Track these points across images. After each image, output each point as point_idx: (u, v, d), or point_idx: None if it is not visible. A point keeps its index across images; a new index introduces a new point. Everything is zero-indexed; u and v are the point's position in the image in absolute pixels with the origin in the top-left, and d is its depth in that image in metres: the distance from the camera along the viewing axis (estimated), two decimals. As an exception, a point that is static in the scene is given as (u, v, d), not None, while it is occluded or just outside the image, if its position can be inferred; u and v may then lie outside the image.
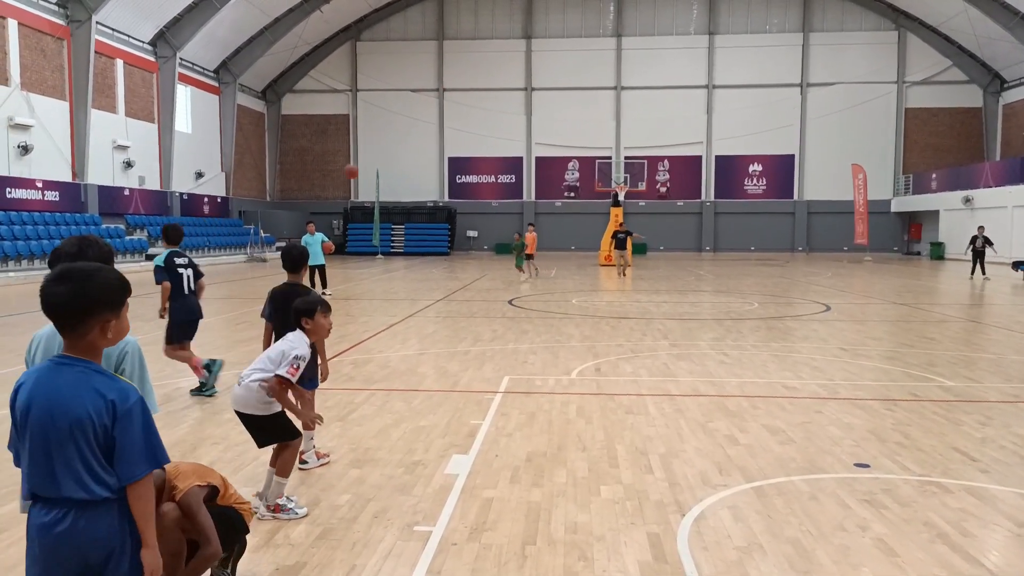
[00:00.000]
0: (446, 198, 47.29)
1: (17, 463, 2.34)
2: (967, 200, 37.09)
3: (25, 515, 2.38)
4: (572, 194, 46.95)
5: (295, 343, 4.63)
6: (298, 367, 4.52)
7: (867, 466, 5.55)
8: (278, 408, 4.62)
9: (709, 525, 4.47)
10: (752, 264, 34.28)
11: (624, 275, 24.75)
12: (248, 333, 12.06)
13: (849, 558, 4.04)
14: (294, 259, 5.86)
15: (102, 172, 30.87)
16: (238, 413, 4.65)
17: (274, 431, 4.66)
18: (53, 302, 2.23)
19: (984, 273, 25.32)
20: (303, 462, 5.42)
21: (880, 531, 4.37)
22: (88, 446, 2.21)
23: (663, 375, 8.94)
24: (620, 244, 25.30)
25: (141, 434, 2.27)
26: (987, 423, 6.78)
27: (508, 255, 43.66)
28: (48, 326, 2.75)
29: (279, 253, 5.76)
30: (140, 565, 2.29)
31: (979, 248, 25.48)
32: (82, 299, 2.23)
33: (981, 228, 26.72)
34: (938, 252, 39.36)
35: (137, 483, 2.26)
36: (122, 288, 2.33)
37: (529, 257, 24.13)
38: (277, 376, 4.50)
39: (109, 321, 2.28)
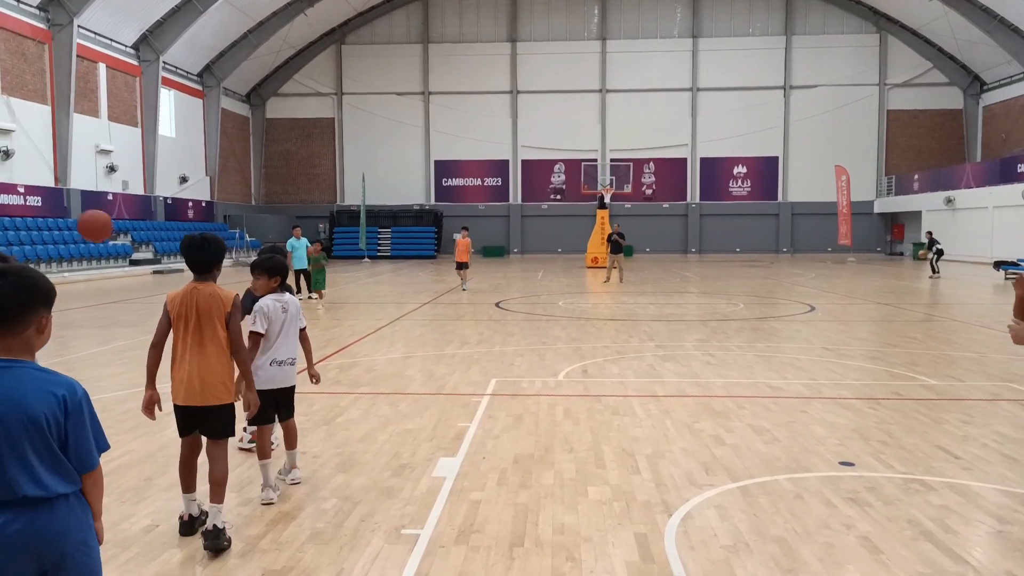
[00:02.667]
0: (432, 201, 47.24)
1: None
2: (949, 201, 37.48)
3: None
4: (558, 196, 47.04)
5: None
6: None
7: (851, 465, 5.59)
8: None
9: (696, 525, 4.49)
10: (737, 265, 34.46)
11: (614, 279, 23.85)
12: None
13: (834, 556, 4.07)
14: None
15: (85, 177, 30.63)
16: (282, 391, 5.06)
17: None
18: None
19: (936, 272, 25.79)
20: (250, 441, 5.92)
21: (865, 529, 4.41)
22: (44, 443, 2.22)
23: (649, 376, 8.98)
24: (616, 248, 23.86)
25: (90, 424, 2.32)
26: (969, 421, 6.85)
27: (496, 258, 43.73)
28: None
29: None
30: (95, 545, 2.34)
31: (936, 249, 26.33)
32: (23, 295, 2.25)
33: (929, 233, 27.75)
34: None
35: (92, 471, 2.33)
36: (53, 288, 2.37)
37: (463, 266, 20.85)
38: (251, 333, 4.89)
39: (43, 319, 2.32)
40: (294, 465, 5.27)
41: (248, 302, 5.43)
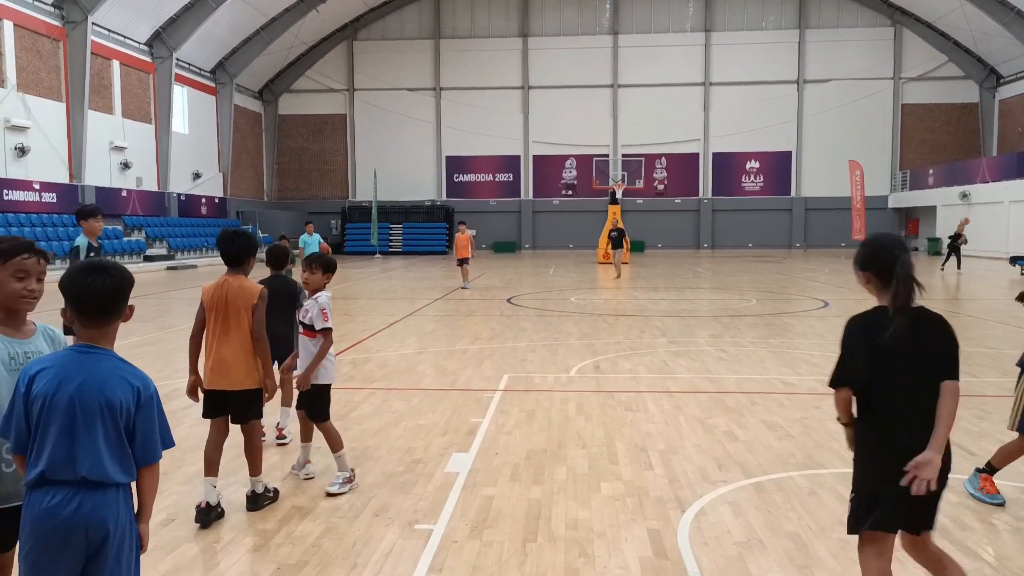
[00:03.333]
0: (444, 197, 47.27)
1: (14, 448, 2.41)
2: (964, 195, 37.14)
3: None
4: (570, 192, 46.96)
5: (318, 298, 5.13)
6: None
7: (866, 461, 5.56)
8: (322, 378, 5.10)
9: (709, 521, 4.48)
10: (750, 261, 34.31)
11: (617, 275, 23.74)
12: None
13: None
14: (279, 257, 6.39)
15: (99, 173, 30.83)
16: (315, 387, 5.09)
17: (322, 400, 5.18)
18: (100, 292, 2.41)
19: (955, 267, 25.52)
20: (281, 437, 6.12)
21: (879, 525, 4.38)
22: (115, 428, 2.36)
23: (662, 372, 8.96)
24: (616, 243, 24.58)
25: (158, 419, 2.45)
26: (984, 417, 6.80)
27: (508, 253, 43.75)
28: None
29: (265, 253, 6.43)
30: (137, 541, 2.45)
31: (957, 244, 25.92)
32: (124, 289, 2.47)
33: (963, 223, 27.28)
34: (935, 247, 39.39)
35: (152, 465, 2.45)
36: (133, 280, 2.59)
37: (464, 261, 20.33)
38: (323, 330, 5.04)
39: (130, 307, 2.53)
40: (308, 460, 5.38)
41: (284, 295, 6.00)
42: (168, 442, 2.48)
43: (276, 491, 4.90)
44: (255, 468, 4.72)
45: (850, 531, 3.12)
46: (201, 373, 4.70)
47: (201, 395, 4.71)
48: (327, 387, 5.15)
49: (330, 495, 4.89)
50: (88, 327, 2.43)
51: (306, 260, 5.14)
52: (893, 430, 2.94)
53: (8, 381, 2.61)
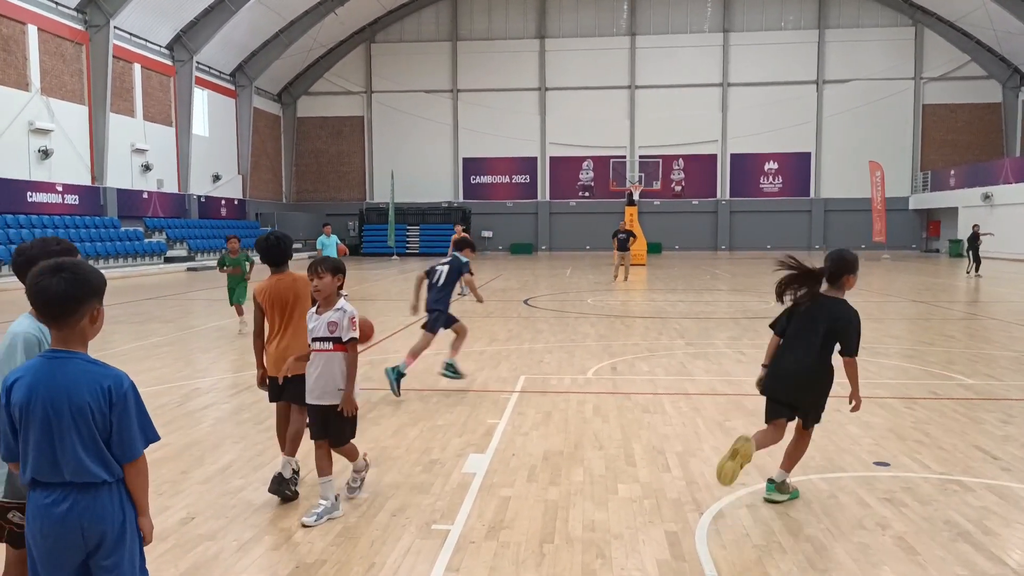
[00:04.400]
0: (461, 199, 47.36)
1: (6, 457, 2.47)
2: (986, 197, 36.68)
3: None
4: (587, 194, 46.89)
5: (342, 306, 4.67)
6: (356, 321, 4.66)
7: (887, 465, 5.51)
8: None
9: (727, 523, 4.45)
10: (768, 263, 34.02)
11: (625, 279, 23.45)
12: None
13: (869, 556, 4.01)
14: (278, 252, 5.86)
15: (121, 175, 31.19)
16: (324, 407, 4.61)
17: (354, 421, 4.73)
18: (52, 293, 2.35)
19: (977, 271, 25.16)
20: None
21: (900, 529, 4.34)
22: (89, 432, 2.36)
23: (680, 374, 8.92)
24: (622, 245, 23.77)
25: (136, 416, 2.42)
26: (1009, 421, 6.71)
27: (525, 255, 43.74)
28: (21, 325, 2.85)
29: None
30: (137, 534, 2.47)
31: (976, 244, 25.55)
32: (76, 289, 2.36)
33: (977, 226, 27.00)
34: (957, 250, 38.91)
35: (137, 460, 2.44)
36: (104, 280, 2.50)
37: None
38: (351, 340, 4.58)
39: (96, 310, 2.44)
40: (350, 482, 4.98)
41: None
42: (151, 436, 2.46)
43: (296, 493, 5.01)
44: (292, 449, 5.02)
45: (766, 422, 4.90)
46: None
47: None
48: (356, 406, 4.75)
49: (305, 526, 4.39)
50: (52, 328, 2.41)
51: (311, 266, 4.65)
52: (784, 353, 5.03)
53: None
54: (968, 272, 25.66)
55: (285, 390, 4.99)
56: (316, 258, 4.76)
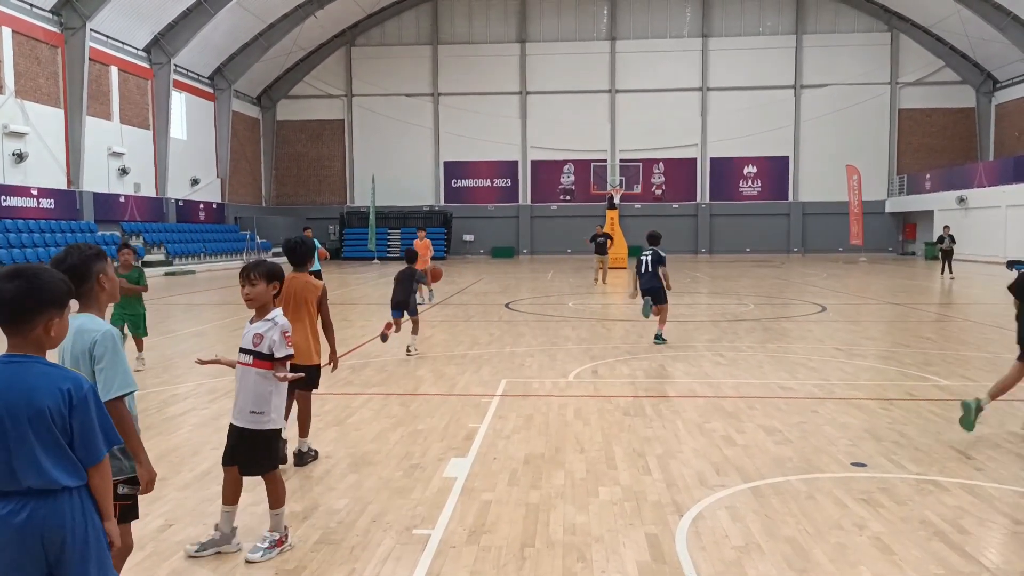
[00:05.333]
0: (442, 202, 47.30)
1: None
2: (961, 200, 37.21)
3: None
4: (568, 197, 47.00)
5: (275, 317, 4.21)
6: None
7: (864, 465, 5.57)
8: (275, 422, 4.18)
9: (707, 525, 4.48)
10: (748, 266, 34.34)
11: (604, 281, 23.51)
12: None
13: (847, 556, 4.05)
14: (301, 253, 5.93)
15: (97, 179, 30.83)
16: (238, 429, 4.18)
17: (271, 451, 4.21)
18: (3, 298, 2.30)
19: (951, 273, 25.54)
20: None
21: (877, 529, 4.39)
22: (49, 435, 2.30)
23: (660, 377, 8.97)
24: (600, 248, 23.94)
25: (97, 419, 2.37)
26: (983, 422, 6.80)
27: (506, 259, 43.74)
28: None
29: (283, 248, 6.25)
30: (103, 541, 2.40)
31: (947, 248, 25.80)
32: (30, 298, 2.31)
33: (947, 228, 27.31)
34: (933, 252, 39.33)
35: (100, 463, 2.39)
36: (68, 289, 2.44)
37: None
38: (282, 360, 4.12)
39: (54, 319, 2.38)
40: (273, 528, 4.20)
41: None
42: (113, 439, 2.41)
43: (316, 453, 5.76)
44: (304, 431, 5.67)
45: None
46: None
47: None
48: (278, 432, 4.23)
49: (250, 563, 3.96)
50: (6, 333, 2.36)
51: (244, 270, 4.19)
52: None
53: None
54: (942, 274, 26.02)
55: (307, 376, 5.40)
56: (249, 262, 4.26)
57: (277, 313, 4.18)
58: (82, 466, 2.35)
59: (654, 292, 11.50)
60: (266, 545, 4.04)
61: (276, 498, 4.15)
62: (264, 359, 4.07)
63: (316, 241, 18.18)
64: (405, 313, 10.37)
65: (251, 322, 4.20)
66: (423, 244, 17.83)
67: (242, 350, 4.15)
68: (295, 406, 5.65)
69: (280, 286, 4.25)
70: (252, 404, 4.07)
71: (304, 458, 5.62)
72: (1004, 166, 35.70)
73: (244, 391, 4.10)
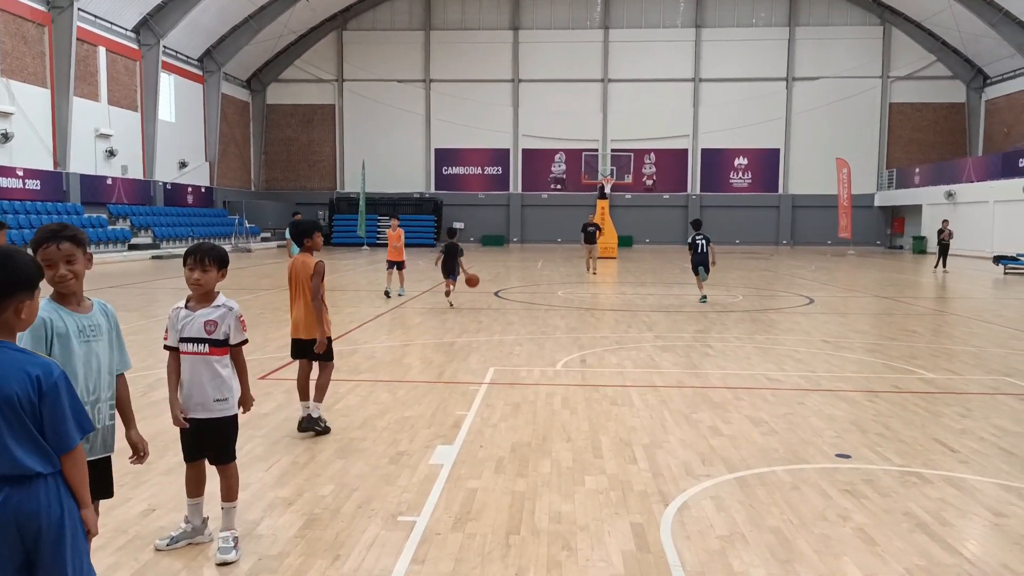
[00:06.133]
0: (432, 190, 47.15)
1: None
2: (949, 195, 37.41)
3: None
4: (559, 186, 46.94)
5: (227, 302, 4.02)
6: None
7: (848, 457, 5.60)
8: (235, 407, 4.06)
9: (692, 515, 4.50)
10: (737, 257, 34.44)
11: (593, 271, 23.61)
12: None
13: (830, 547, 4.08)
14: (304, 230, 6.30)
15: (84, 161, 30.53)
16: (202, 421, 3.97)
17: (236, 435, 4.10)
18: None
19: (944, 267, 25.70)
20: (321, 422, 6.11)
21: (861, 521, 4.41)
22: (19, 422, 2.25)
23: (648, 367, 8.98)
24: (589, 238, 23.99)
25: (68, 405, 2.32)
26: (967, 415, 6.86)
27: (496, 247, 43.68)
28: None
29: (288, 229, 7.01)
30: (80, 528, 2.36)
31: (945, 241, 25.91)
32: (1, 280, 2.28)
33: (946, 221, 27.47)
34: (920, 246, 39.69)
35: (73, 451, 2.34)
36: (39, 270, 2.42)
37: (398, 266, 16.03)
38: (238, 345, 4.00)
39: (24, 302, 2.34)
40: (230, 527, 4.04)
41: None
42: (86, 427, 2.37)
43: (328, 428, 6.04)
44: (319, 396, 6.10)
45: None
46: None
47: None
48: (235, 418, 4.06)
49: (225, 564, 3.81)
50: None
51: (191, 253, 3.92)
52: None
53: (81, 355, 3.03)
54: (936, 268, 26.15)
55: (307, 350, 6.07)
56: (196, 244, 3.99)
57: (226, 298, 4.00)
58: (55, 452, 2.30)
59: (705, 265, 15.69)
60: (232, 544, 3.90)
61: (233, 490, 4.04)
62: (220, 346, 3.91)
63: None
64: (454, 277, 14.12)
65: (189, 308, 3.94)
66: (396, 234, 16.13)
67: (190, 340, 3.90)
68: (315, 372, 6.21)
69: (226, 273, 4.03)
70: (215, 392, 3.93)
71: (313, 424, 5.95)
72: (993, 161, 35.90)
73: (201, 383, 3.91)
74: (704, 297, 15.70)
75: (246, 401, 4.10)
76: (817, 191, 45.23)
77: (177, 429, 4.02)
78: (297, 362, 6.35)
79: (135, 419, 3.39)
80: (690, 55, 45.62)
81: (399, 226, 16.54)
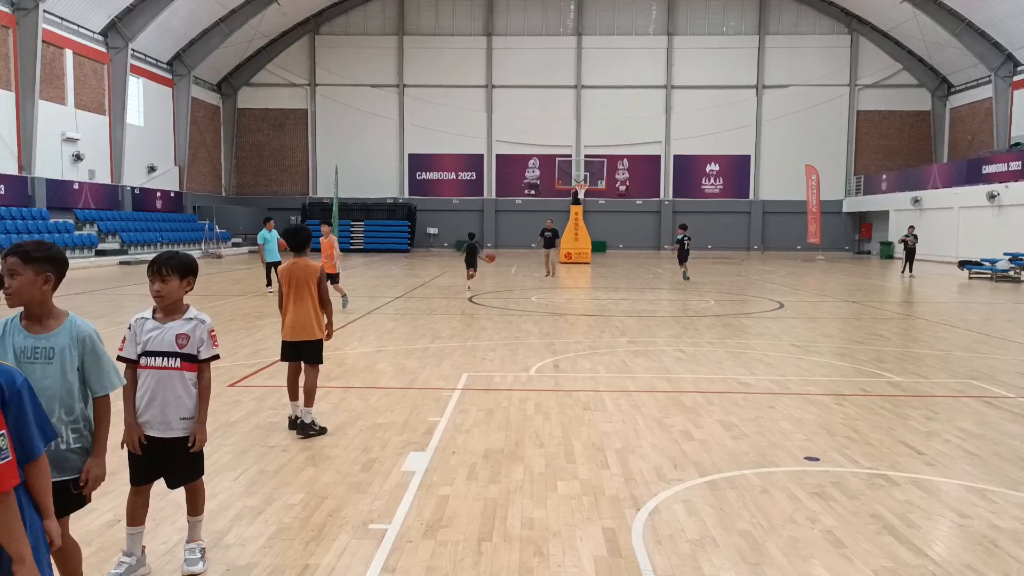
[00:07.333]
0: (406, 195, 47.00)
1: None
2: (916, 201, 38.10)
3: None
4: (532, 192, 47.04)
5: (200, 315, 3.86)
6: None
7: (817, 460, 5.66)
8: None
9: (663, 519, 4.51)
10: (709, 262, 34.74)
11: (552, 275, 23.93)
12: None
13: (799, 550, 4.11)
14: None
15: (50, 165, 29.99)
16: (163, 440, 3.74)
17: (198, 458, 3.87)
18: None
19: (911, 271, 26.17)
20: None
21: (829, 523, 4.46)
22: None
23: (621, 372, 9.01)
24: (548, 243, 24.43)
25: (32, 413, 2.28)
26: (933, 418, 6.97)
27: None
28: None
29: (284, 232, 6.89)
30: (42, 539, 2.31)
31: (911, 246, 26.38)
32: None
33: (911, 227, 28.06)
34: (888, 251, 40.37)
35: (37, 460, 2.30)
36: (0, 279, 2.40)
37: (332, 279, 14.65)
38: (212, 359, 3.82)
39: None
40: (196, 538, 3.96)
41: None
42: (50, 434, 2.33)
43: (324, 429, 6.19)
44: (309, 401, 6.15)
45: None
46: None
47: None
48: None
49: None
50: None
51: (153, 264, 3.72)
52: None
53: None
54: (903, 272, 26.59)
55: (301, 352, 6.20)
56: (161, 254, 3.78)
57: (196, 311, 3.81)
58: (18, 462, 2.24)
59: (687, 257, 22.76)
60: (199, 555, 3.82)
61: (199, 504, 3.92)
62: (191, 361, 3.73)
63: (277, 232, 18.02)
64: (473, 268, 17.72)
65: (157, 320, 3.75)
66: (327, 242, 14.66)
67: (158, 354, 3.69)
68: (302, 377, 6.28)
69: (194, 282, 3.81)
70: (183, 411, 3.72)
71: (306, 428, 6.08)
72: (957, 168, 36.63)
73: (168, 400, 3.69)
74: (687, 276, 22.27)
75: (200, 431, 3.74)
76: (787, 197, 45.82)
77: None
78: (287, 364, 6.46)
79: (104, 448, 3.14)
80: (662, 62, 46.02)
81: (331, 233, 15.12)
